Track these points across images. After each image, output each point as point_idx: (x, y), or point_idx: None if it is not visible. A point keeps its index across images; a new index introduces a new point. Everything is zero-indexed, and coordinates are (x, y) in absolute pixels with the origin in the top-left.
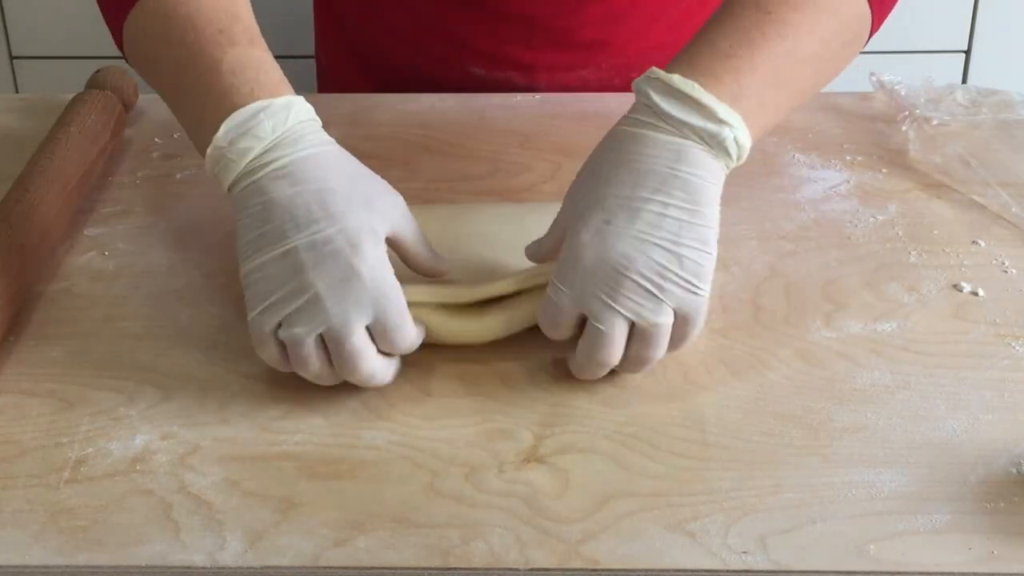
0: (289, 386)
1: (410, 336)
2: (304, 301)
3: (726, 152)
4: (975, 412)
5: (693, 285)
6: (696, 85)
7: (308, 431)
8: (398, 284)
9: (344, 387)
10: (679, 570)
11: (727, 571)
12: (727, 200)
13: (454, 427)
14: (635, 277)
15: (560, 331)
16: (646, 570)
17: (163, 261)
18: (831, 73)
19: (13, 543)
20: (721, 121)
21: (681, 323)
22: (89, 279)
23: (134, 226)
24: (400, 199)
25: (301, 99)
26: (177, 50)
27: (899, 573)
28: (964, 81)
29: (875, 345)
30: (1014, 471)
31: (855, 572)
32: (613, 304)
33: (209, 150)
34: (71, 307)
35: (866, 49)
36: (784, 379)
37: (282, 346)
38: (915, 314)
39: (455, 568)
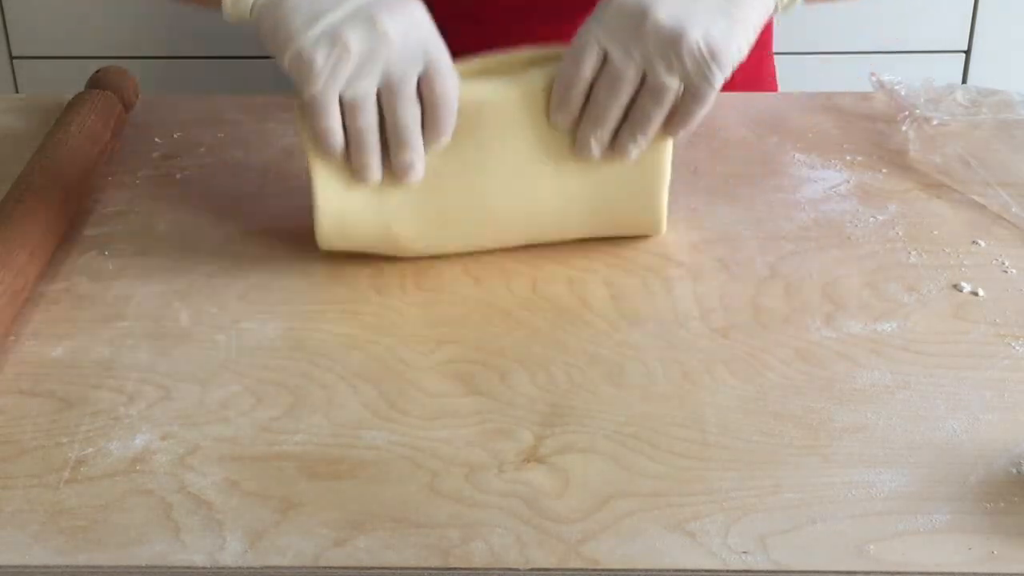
0: (289, 386)
1: (453, 85)
2: (370, 47)
3: None
4: (975, 412)
5: (707, 62)
6: None
7: (308, 431)
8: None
9: (344, 387)
10: (679, 570)
11: (727, 571)
12: (727, 200)
13: (454, 427)
14: (654, 30)
15: (580, 71)
16: (646, 570)
17: (163, 261)
18: None
19: (13, 543)
20: None
21: (688, 98)
22: (89, 279)
23: (134, 226)
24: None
25: None
26: None
27: (899, 573)
28: (964, 81)
29: (875, 345)
30: (1014, 471)
31: (855, 572)
32: (630, 48)
33: None
34: (71, 307)
35: (866, 49)
36: (784, 379)
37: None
38: (915, 314)
39: (455, 568)
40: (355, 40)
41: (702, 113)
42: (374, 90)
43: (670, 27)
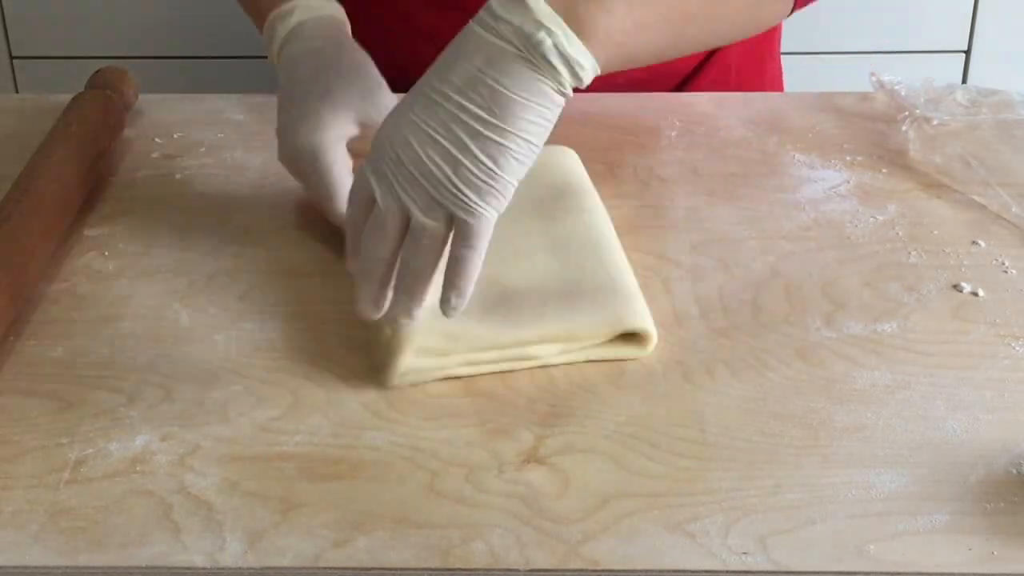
0: (289, 386)
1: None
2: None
3: (550, 65)
4: (975, 412)
5: (466, 199)
6: None
7: (308, 431)
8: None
9: (344, 387)
10: (679, 570)
11: (727, 571)
12: (727, 200)
13: (454, 427)
14: (411, 168)
15: (351, 214)
16: (646, 570)
17: (163, 261)
18: (729, 24)
19: (13, 543)
20: (538, 23)
21: (457, 238)
22: (89, 279)
23: (134, 226)
24: (372, 91)
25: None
26: None
27: (899, 573)
28: (964, 81)
29: (875, 345)
30: (1014, 471)
31: (855, 572)
32: (393, 185)
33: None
34: (71, 307)
35: (866, 49)
36: (784, 379)
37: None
38: (915, 314)
39: (455, 568)
40: None
41: (475, 258)
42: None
43: (425, 173)
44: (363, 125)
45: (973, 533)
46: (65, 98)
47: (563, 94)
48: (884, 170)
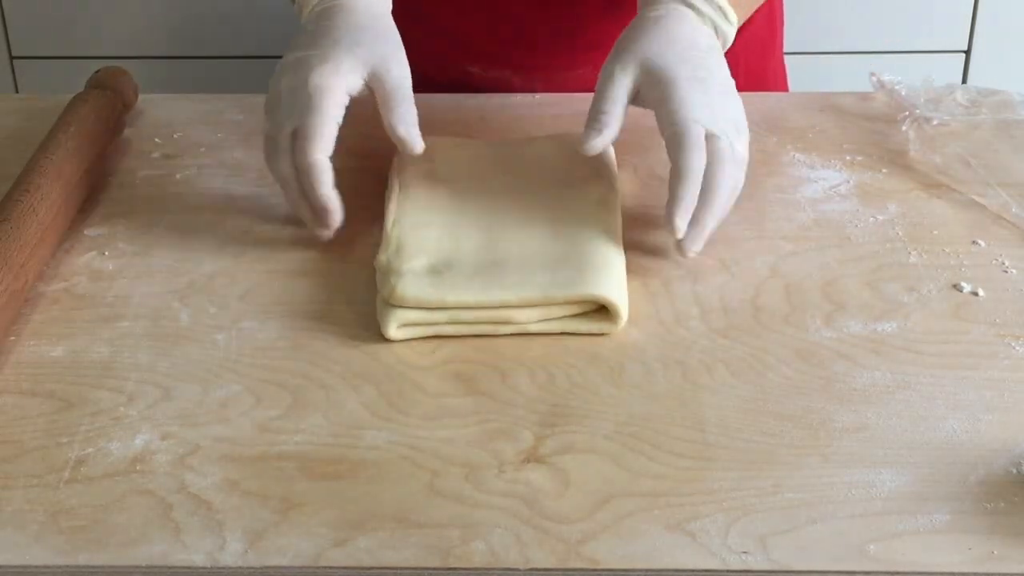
0: (289, 386)
1: (314, 153)
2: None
3: (725, 45)
4: (975, 412)
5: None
6: None
7: (308, 431)
8: (332, 106)
9: (344, 387)
10: (679, 570)
11: (727, 571)
12: None
13: (454, 427)
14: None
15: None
16: (646, 570)
17: (163, 261)
18: None
19: (13, 543)
20: (730, 23)
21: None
22: (89, 279)
23: (134, 226)
24: (392, 52)
25: None
26: None
27: (899, 573)
28: (964, 81)
29: (875, 345)
30: (1014, 471)
31: (855, 572)
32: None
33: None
34: (71, 307)
35: (866, 49)
36: (784, 379)
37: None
38: (915, 314)
39: (455, 568)
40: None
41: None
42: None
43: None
44: (370, 83)
45: (973, 533)
46: (65, 98)
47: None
48: (884, 170)
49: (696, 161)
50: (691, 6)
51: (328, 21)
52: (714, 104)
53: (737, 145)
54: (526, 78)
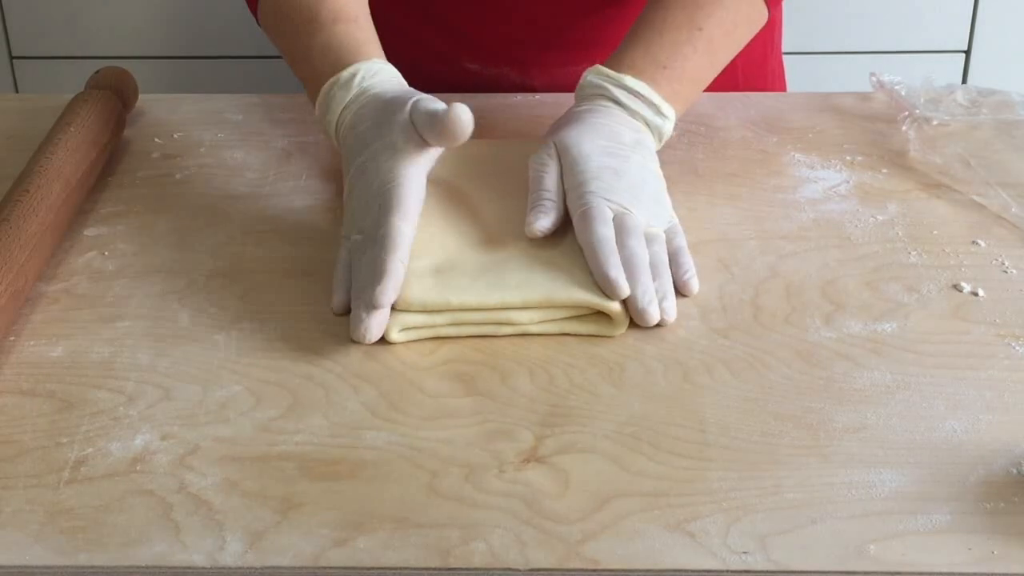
0: (289, 386)
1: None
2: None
3: (660, 139)
4: (975, 412)
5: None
6: (646, 86)
7: (308, 431)
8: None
9: (344, 387)
10: (679, 570)
11: (727, 571)
12: (727, 200)
13: (454, 427)
14: (645, 197)
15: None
16: (646, 570)
17: (163, 261)
18: (737, 45)
19: (13, 543)
20: (664, 116)
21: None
22: (89, 279)
23: (134, 226)
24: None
25: (366, 64)
26: (283, 40)
27: (899, 573)
28: (964, 81)
29: (875, 345)
30: (1014, 471)
31: (855, 572)
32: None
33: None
34: (71, 307)
35: (866, 49)
36: (784, 379)
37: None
38: (915, 314)
39: (455, 568)
40: None
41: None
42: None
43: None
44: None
45: (973, 533)
46: (65, 98)
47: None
48: (884, 170)
49: (601, 231)
50: (617, 102)
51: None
52: (627, 190)
53: (656, 228)
54: (523, 74)
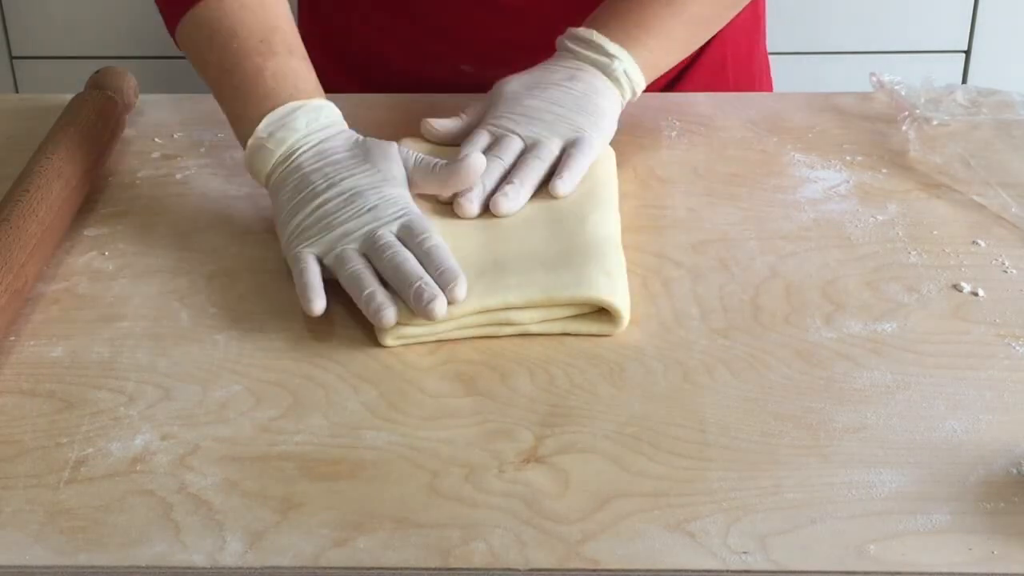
0: (289, 386)
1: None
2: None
3: (618, 81)
4: (975, 412)
5: (579, 128)
6: (594, 32)
7: (308, 431)
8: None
9: (344, 387)
10: (679, 570)
11: (727, 571)
12: (727, 200)
13: (454, 427)
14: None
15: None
16: (646, 570)
17: (163, 261)
18: (719, 26)
19: (13, 543)
20: (611, 55)
21: (571, 148)
22: (89, 279)
23: (134, 226)
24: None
25: (331, 104)
26: (221, 56)
27: (899, 573)
28: (964, 81)
29: (875, 345)
30: (1014, 471)
31: (855, 572)
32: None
33: (250, 141)
34: (71, 307)
35: (866, 49)
36: (784, 379)
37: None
38: (915, 314)
39: (455, 568)
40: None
41: (583, 158)
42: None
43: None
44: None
45: (973, 533)
46: (65, 98)
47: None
48: (884, 170)
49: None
50: (565, 49)
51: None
52: (521, 115)
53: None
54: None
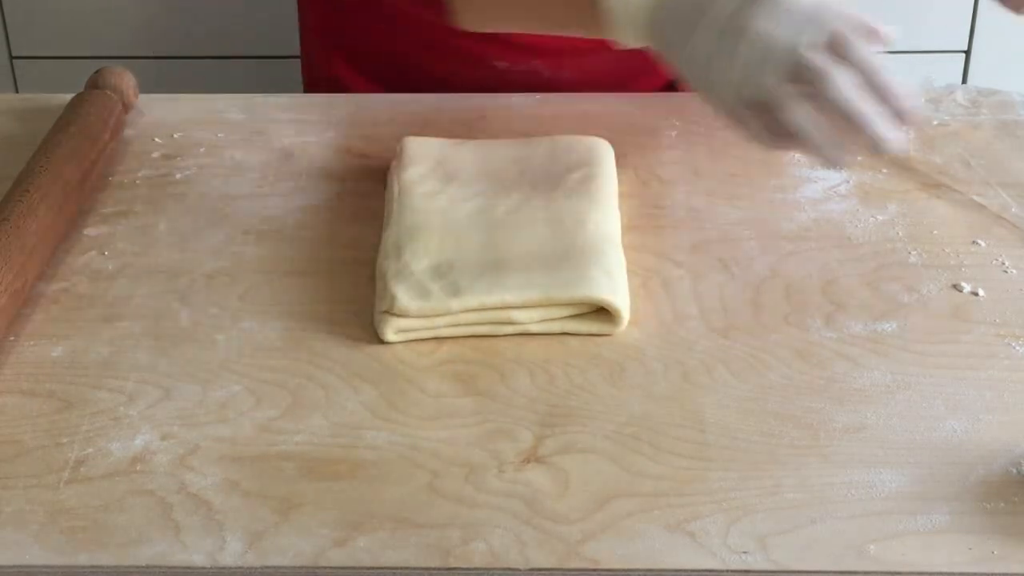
0: (289, 386)
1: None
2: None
3: None
4: (975, 412)
5: None
6: None
7: (308, 431)
8: None
9: (344, 387)
10: (679, 570)
11: (727, 571)
12: (727, 200)
13: (454, 427)
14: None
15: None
16: (646, 570)
17: (163, 261)
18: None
19: (13, 543)
20: None
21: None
22: (89, 279)
23: (134, 226)
24: None
25: None
26: None
27: (899, 573)
28: (964, 81)
29: (875, 345)
30: (1014, 471)
31: (855, 572)
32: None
33: None
34: (71, 307)
35: None
36: (784, 379)
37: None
38: (915, 314)
39: (455, 568)
40: None
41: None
42: None
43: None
44: None
45: (973, 533)
46: (65, 98)
47: None
48: (884, 170)
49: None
50: None
51: None
52: None
53: None
54: (552, 65)
